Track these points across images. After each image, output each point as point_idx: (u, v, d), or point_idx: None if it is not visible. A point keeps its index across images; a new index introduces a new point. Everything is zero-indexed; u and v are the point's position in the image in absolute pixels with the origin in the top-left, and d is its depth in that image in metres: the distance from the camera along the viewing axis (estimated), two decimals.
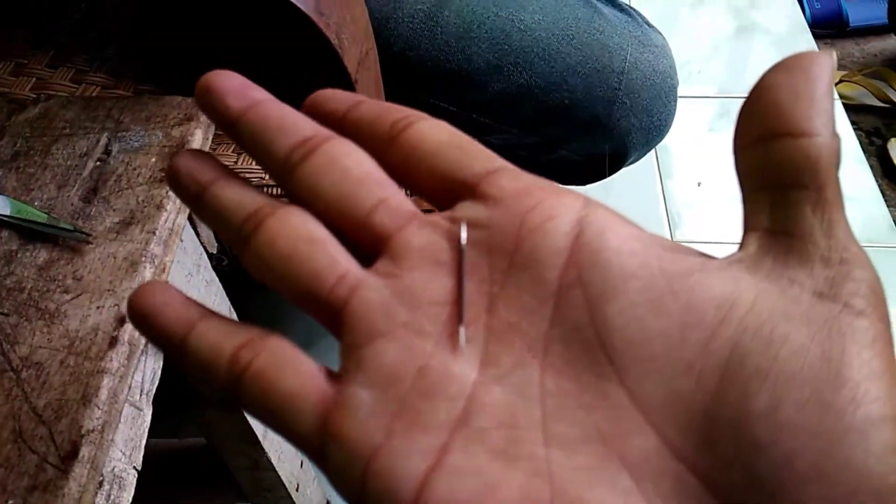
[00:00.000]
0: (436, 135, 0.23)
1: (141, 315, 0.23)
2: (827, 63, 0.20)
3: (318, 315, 0.22)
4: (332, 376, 0.21)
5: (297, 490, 0.84)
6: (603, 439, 0.19)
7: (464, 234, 0.22)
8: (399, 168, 0.23)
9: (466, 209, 0.22)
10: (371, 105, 0.24)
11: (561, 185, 0.22)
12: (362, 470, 0.19)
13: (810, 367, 0.17)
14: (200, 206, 0.24)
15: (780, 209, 0.19)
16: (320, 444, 0.20)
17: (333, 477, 0.20)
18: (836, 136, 0.19)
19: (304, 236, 0.22)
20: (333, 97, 0.24)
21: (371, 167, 0.23)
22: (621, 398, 0.19)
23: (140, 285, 0.23)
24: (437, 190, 0.23)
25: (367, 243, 0.22)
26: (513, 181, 0.22)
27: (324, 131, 0.23)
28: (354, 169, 0.23)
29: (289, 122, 0.23)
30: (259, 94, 0.23)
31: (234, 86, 0.23)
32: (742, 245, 0.20)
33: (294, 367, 0.21)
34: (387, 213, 0.22)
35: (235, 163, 0.72)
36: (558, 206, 0.21)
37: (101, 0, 0.68)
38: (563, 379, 0.20)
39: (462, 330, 0.21)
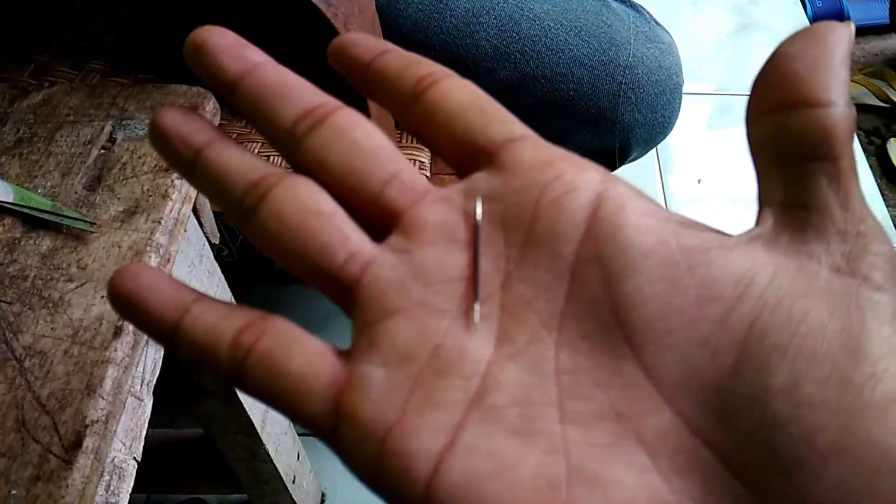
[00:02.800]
0: (459, 95, 0.22)
1: (126, 299, 0.21)
2: (844, 32, 0.19)
3: (329, 291, 0.21)
4: (342, 355, 0.21)
5: (293, 482, 0.84)
6: (618, 416, 0.19)
7: (479, 211, 0.21)
8: (419, 127, 0.22)
9: (482, 180, 0.21)
10: (397, 56, 0.23)
11: (581, 158, 0.21)
12: (376, 449, 0.19)
13: (830, 343, 0.17)
14: (194, 173, 0.22)
15: (796, 182, 0.19)
16: (332, 425, 0.20)
17: (347, 457, 0.20)
18: (851, 106, 0.19)
19: (312, 209, 0.21)
20: (358, 42, 0.23)
21: (381, 140, 0.22)
22: (637, 375, 0.19)
23: (120, 268, 0.21)
24: (456, 153, 0.22)
25: (378, 219, 0.22)
26: (532, 151, 0.21)
27: (329, 100, 0.22)
28: (364, 142, 0.22)
29: (292, 89, 0.22)
30: (256, 56, 0.22)
31: (228, 44, 0.22)
32: (758, 220, 0.20)
33: (301, 347, 0.20)
34: (399, 189, 0.22)
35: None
36: (577, 180, 0.20)
37: None
38: (579, 356, 0.19)
39: (476, 307, 0.20)
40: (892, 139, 1.52)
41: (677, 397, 0.18)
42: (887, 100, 1.60)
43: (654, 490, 0.18)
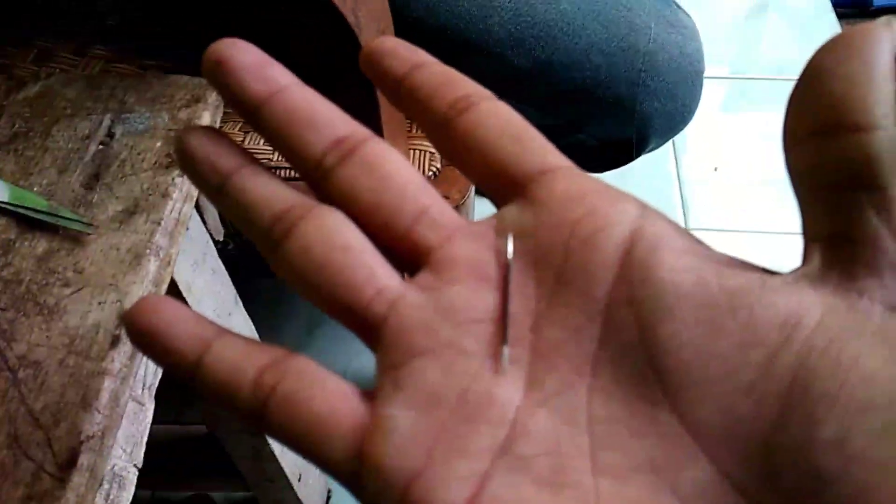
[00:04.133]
0: (493, 122, 0.21)
1: (145, 333, 0.20)
2: (885, 39, 0.17)
3: (355, 328, 0.20)
4: (366, 396, 0.20)
5: (298, 480, 0.83)
6: (654, 469, 0.17)
7: (510, 249, 0.20)
8: (452, 151, 0.22)
9: (514, 214, 0.20)
10: (432, 72, 0.22)
11: (618, 190, 0.20)
12: (399, 498, 0.18)
13: (884, 393, 0.15)
14: (221, 199, 0.22)
15: (841, 214, 0.17)
16: (355, 470, 0.19)
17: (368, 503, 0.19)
18: None
19: (339, 244, 0.20)
20: (394, 52, 0.22)
21: (411, 173, 0.21)
22: (675, 425, 0.17)
23: (138, 300, 0.21)
24: (489, 181, 0.21)
25: (408, 255, 0.21)
26: (565, 184, 0.20)
27: (359, 129, 0.21)
28: (395, 176, 0.21)
29: (320, 117, 0.21)
30: (281, 76, 0.21)
31: (251, 61, 0.21)
32: (805, 258, 0.18)
33: (324, 389, 0.19)
34: (429, 225, 0.21)
35: (242, 141, 0.69)
36: (610, 216, 0.19)
37: None
38: (612, 403, 0.18)
39: (506, 350, 0.19)
40: None
41: (718, 449, 0.17)
42: None
43: None
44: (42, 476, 0.35)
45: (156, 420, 0.53)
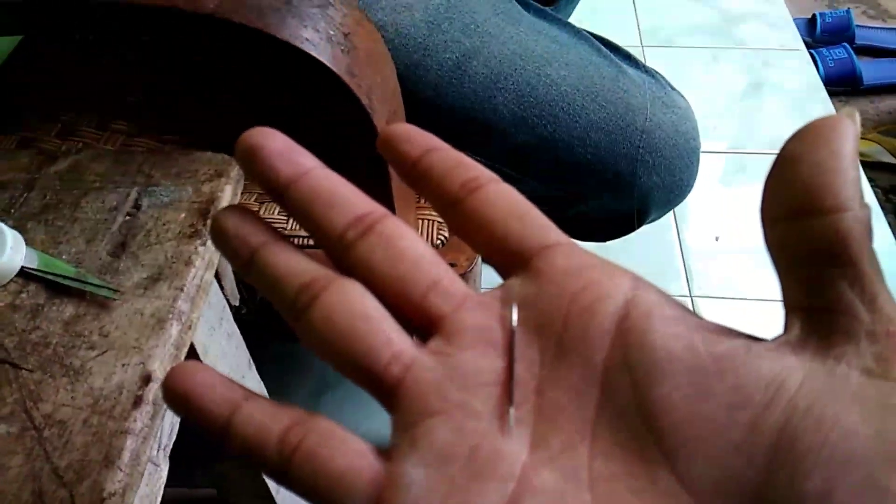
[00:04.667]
0: (500, 202, 0.23)
1: (181, 396, 0.22)
2: (849, 129, 0.19)
3: (371, 389, 0.22)
4: (382, 454, 0.21)
5: None
6: None
7: (514, 317, 0.22)
8: (461, 229, 0.24)
9: (518, 286, 0.22)
10: (443, 156, 0.24)
11: (614, 264, 0.22)
12: None
13: (864, 448, 0.17)
14: (251, 272, 0.24)
15: (818, 287, 0.19)
16: None
17: None
18: (865, 207, 0.19)
19: (360, 313, 0.22)
20: (407, 138, 0.24)
21: (424, 248, 0.23)
22: (671, 481, 0.19)
23: (176, 365, 0.23)
24: (495, 257, 0.23)
25: (420, 322, 0.23)
26: (565, 259, 0.22)
27: (377, 208, 0.24)
28: (409, 250, 0.23)
29: (341, 197, 0.23)
30: (307, 160, 0.24)
31: (279, 148, 0.23)
32: (786, 327, 0.20)
33: (344, 447, 0.21)
34: (441, 296, 0.23)
35: (258, 211, 0.72)
36: (607, 288, 0.21)
37: (125, 53, 0.68)
38: (612, 462, 0.20)
39: (512, 411, 0.21)
40: None
41: (712, 503, 0.18)
42: None
43: None
44: None
45: (168, 482, 0.54)
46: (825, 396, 0.18)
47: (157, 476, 0.50)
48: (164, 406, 0.42)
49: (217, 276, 0.54)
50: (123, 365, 0.41)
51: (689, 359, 0.19)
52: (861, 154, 1.59)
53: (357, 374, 0.22)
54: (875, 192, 1.50)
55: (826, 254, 0.19)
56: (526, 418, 0.21)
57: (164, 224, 0.46)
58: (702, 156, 0.84)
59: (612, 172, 0.78)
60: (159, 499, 0.50)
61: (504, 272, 0.23)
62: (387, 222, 0.23)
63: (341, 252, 0.23)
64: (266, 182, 0.23)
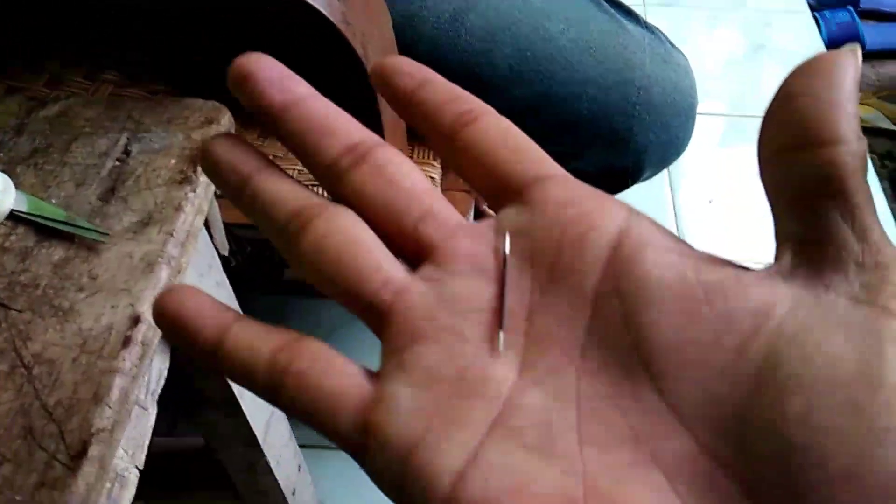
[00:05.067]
0: (495, 134, 0.23)
1: (172, 318, 0.23)
2: (849, 63, 0.19)
3: (362, 315, 0.23)
4: (372, 376, 0.22)
5: (293, 494, 0.84)
6: (637, 440, 0.19)
7: (507, 246, 0.22)
8: (456, 161, 0.24)
9: (511, 216, 0.23)
10: (437, 89, 0.24)
11: (608, 195, 0.22)
12: (401, 465, 0.20)
13: (846, 372, 0.17)
14: (242, 198, 0.24)
15: (811, 219, 0.19)
16: (360, 441, 0.21)
17: (373, 472, 0.21)
18: (861, 140, 0.19)
19: (351, 239, 0.22)
20: (402, 70, 0.24)
21: (418, 177, 0.23)
22: (656, 402, 0.19)
23: (166, 288, 0.23)
24: (490, 188, 0.23)
25: (413, 251, 0.23)
26: (559, 189, 0.22)
27: (370, 136, 0.24)
28: (402, 179, 0.23)
29: (335, 124, 0.23)
30: (301, 88, 0.24)
31: (273, 74, 0.23)
32: (777, 257, 0.20)
33: (334, 368, 0.22)
34: (433, 225, 0.23)
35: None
36: (600, 218, 0.21)
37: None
38: (599, 383, 0.20)
39: (501, 335, 0.21)
40: None
41: (696, 423, 0.19)
42: None
43: None
44: (54, 465, 0.37)
45: (153, 431, 0.55)
46: (812, 323, 0.18)
47: (145, 419, 0.51)
48: (153, 348, 0.43)
49: (207, 225, 0.54)
50: (112, 306, 0.42)
51: (679, 286, 0.20)
52: (860, 119, 1.59)
53: (348, 299, 0.22)
54: (871, 159, 1.50)
55: (821, 185, 0.19)
56: (515, 343, 0.21)
57: (153, 170, 0.46)
58: (700, 117, 0.84)
59: (608, 128, 0.78)
60: (147, 442, 0.51)
61: (498, 205, 0.23)
62: (381, 151, 0.23)
63: (334, 180, 0.23)
64: (259, 109, 0.23)
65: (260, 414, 0.71)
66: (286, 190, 0.23)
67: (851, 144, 0.19)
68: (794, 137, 0.19)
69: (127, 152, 0.47)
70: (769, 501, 0.18)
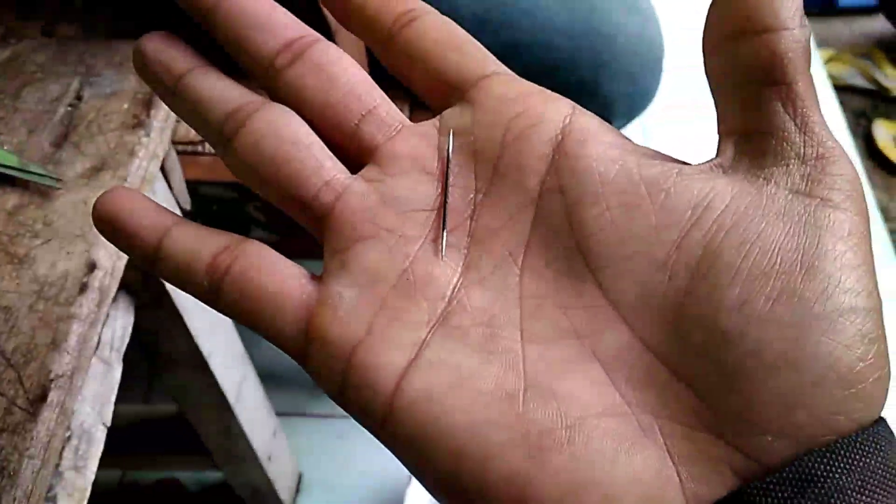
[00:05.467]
0: (435, 33, 0.23)
1: (110, 219, 0.22)
2: None
3: (302, 218, 0.22)
4: (315, 278, 0.22)
5: (269, 459, 0.84)
6: (578, 335, 0.19)
7: (450, 145, 0.22)
8: (396, 64, 0.23)
9: (454, 115, 0.22)
10: None
11: (552, 92, 0.22)
12: (343, 365, 0.20)
13: (783, 261, 0.18)
14: (174, 98, 0.23)
15: (753, 108, 0.19)
16: (303, 343, 0.20)
17: (316, 374, 0.21)
18: (805, 28, 0.19)
19: (289, 137, 0.22)
20: None
21: (359, 74, 0.23)
22: (597, 296, 0.20)
23: (106, 190, 0.22)
24: (432, 90, 0.23)
25: (355, 152, 0.22)
26: (502, 87, 0.22)
27: (309, 32, 0.23)
28: (342, 76, 0.22)
29: (271, 20, 0.23)
30: None
31: None
32: (718, 150, 0.20)
33: (275, 268, 0.21)
34: (375, 124, 0.22)
35: None
36: (543, 114, 0.21)
37: None
38: (542, 281, 0.20)
39: (444, 235, 0.21)
40: (877, 120, 1.52)
41: (635, 316, 0.19)
42: (874, 81, 1.60)
43: (609, 402, 0.19)
44: (14, 410, 0.37)
45: (126, 400, 0.54)
46: (751, 214, 0.18)
47: (110, 376, 0.51)
48: (111, 294, 0.42)
49: (165, 175, 0.53)
50: (68, 253, 0.41)
51: (621, 181, 0.20)
52: (833, 77, 1.59)
53: (287, 201, 0.22)
54: (846, 116, 1.51)
55: (762, 73, 0.19)
56: (459, 242, 0.21)
57: (105, 115, 0.45)
58: (667, 74, 0.84)
59: (575, 79, 0.77)
60: (113, 398, 0.51)
61: (441, 106, 0.23)
62: (319, 46, 0.23)
63: (272, 79, 0.23)
64: (190, 4, 0.23)
65: (230, 375, 0.71)
66: (221, 88, 0.22)
67: (794, 31, 0.19)
68: (737, 25, 0.19)
69: (79, 97, 0.46)
70: (706, 391, 0.18)
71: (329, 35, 0.23)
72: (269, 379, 0.85)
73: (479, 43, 0.23)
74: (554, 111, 0.21)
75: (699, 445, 0.18)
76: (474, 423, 0.18)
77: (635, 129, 1.42)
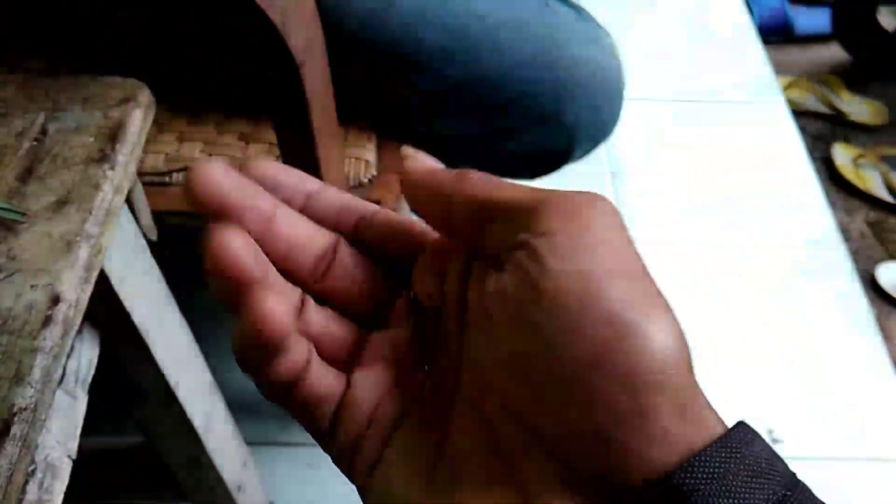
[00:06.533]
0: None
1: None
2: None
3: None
4: None
5: (239, 490, 0.83)
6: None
7: None
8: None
9: None
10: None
11: None
12: None
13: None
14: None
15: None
16: None
17: None
18: None
19: None
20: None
21: None
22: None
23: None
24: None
25: None
26: None
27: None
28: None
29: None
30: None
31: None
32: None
33: None
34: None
35: (178, 151, 0.71)
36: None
37: None
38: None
39: None
40: (836, 143, 1.56)
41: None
42: (831, 106, 1.64)
43: None
44: None
45: (96, 431, 0.54)
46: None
47: (75, 409, 0.51)
48: (75, 327, 0.43)
49: (132, 208, 0.54)
50: (32, 286, 0.41)
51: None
52: (792, 102, 1.63)
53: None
54: (805, 140, 1.54)
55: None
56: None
57: (71, 149, 0.46)
58: (637, 103, 0.86)
59: (537, 110, 0.79)
60: (78, 431, 0.51)
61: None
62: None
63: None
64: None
65: (199, 405, 0.71)
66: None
67: None
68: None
69: (44, 132, 0.46)
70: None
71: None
72: (239, 408, 0.84)
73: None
74: None
75: None
76: None
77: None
